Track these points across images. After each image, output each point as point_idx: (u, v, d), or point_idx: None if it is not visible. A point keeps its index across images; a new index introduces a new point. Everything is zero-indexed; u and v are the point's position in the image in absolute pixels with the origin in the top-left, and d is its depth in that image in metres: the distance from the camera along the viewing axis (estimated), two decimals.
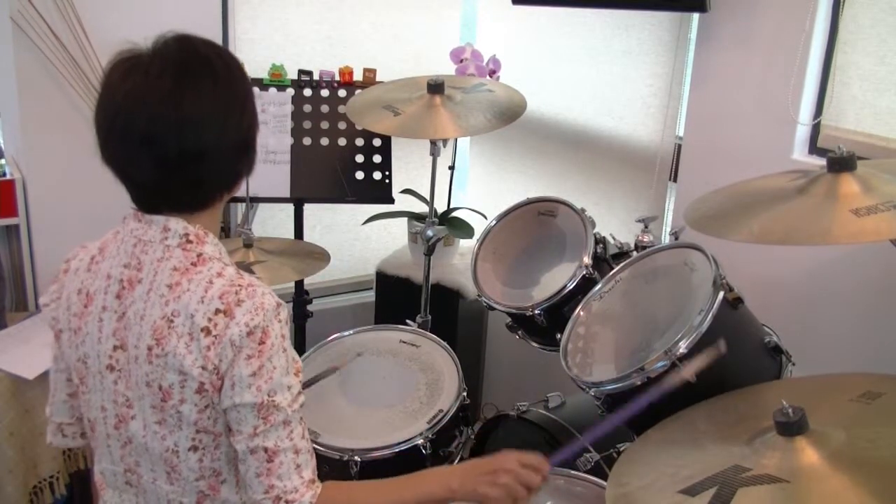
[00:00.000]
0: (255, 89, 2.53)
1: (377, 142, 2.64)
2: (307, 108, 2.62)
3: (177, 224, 1.22)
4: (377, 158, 2.64)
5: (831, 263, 1.92)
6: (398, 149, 2.73)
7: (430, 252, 2.40)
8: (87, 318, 1.27)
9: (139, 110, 1.16)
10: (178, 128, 1.16)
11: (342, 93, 2.65)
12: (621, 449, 1.63)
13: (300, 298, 2.65)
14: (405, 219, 2.98)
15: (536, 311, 1.93)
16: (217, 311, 1.17)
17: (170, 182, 1.20)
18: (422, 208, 2.94)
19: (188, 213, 1.24)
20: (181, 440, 1.23)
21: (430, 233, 2.37)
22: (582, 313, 1.80)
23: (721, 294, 1.50)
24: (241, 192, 2.26)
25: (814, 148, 2.02)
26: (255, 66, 2.67)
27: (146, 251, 1.23)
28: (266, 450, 1.19)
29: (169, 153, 1.16)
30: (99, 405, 1.29)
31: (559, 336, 1.79)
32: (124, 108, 1.17)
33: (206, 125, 1.17)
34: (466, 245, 3.03)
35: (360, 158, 2.63)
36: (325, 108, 2.64)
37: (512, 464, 1.30)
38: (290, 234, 2.70)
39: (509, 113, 2.24)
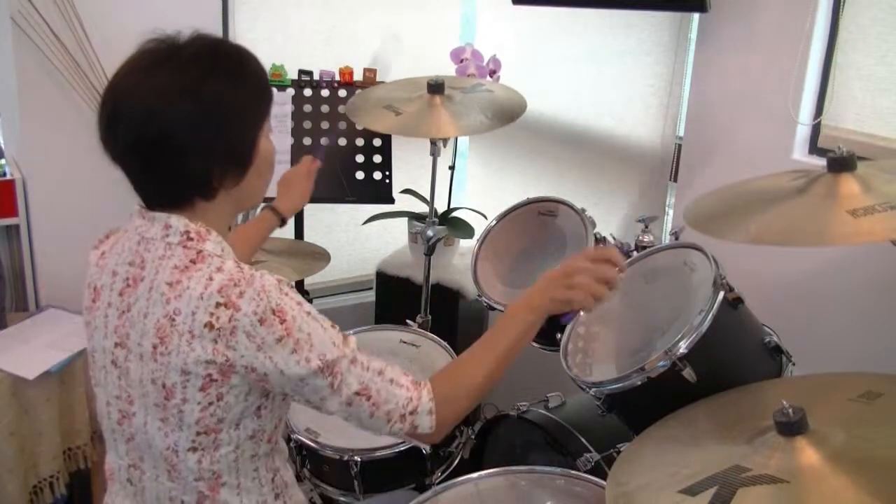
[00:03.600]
0: None
1: (377, 142, 2.64)
2: (307, 108, 2.62)
3: (178, 221, 1.22)
4: (377, 158, 2.64)
5: (832, 263, 1.92)
6: (398, 149, 2.72)
7: (430, 252, 2.40)
8: (95, 312, 1.28)
9: (123, 97, 1.18)
10: (145, 117, 1.15)
11: (342, 93, 2.65)
12: (621, 449, 1.63)
13: None
14: (405, 219, 2.98)
15: None
16: (218, 305, 1.16)
17: (139, 170, 1.20)
18: (422, 208, 2.94)
19: (171, 209, 1.23)
20: (181, 440, 1.23)
21: (430, 233, 2.38)
22: (582, 313, 1.80)
23: (721, 294, 1.50)
24: None
25: (814, 148, 2.02)
26: None
27: (149, 249, 1.23)
28: (358, 393, 1.21)
29: (133, 142, 1.16)
30: (105, 399, 1.31)
31: (559, 336, 1.79)
32: (113, 92, 1.20)
33: (180, 118, 1.16)
34: (466, 245, 3.03)
35: (360, 158, 2.63)
36: (325, 108, 2.64)
37: (583, 262, 1.33)
38: (291, 235, 2.70)
39: (509, 113, 2.24)
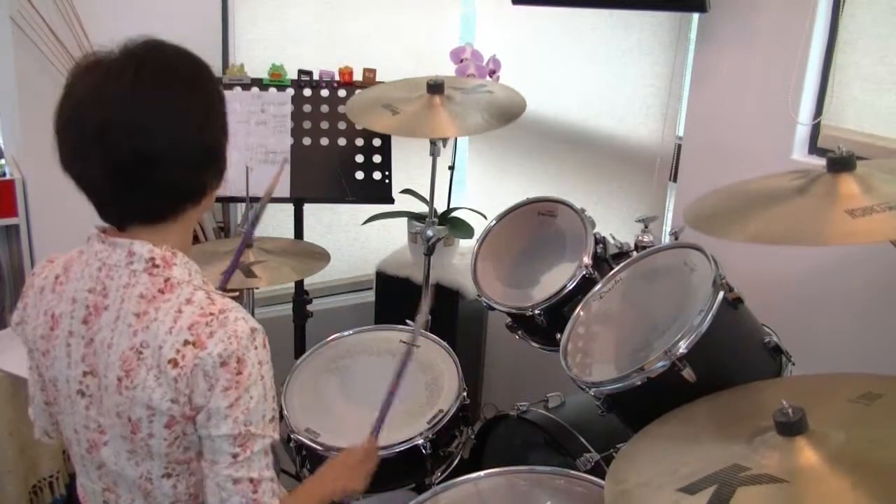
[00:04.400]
0: (255, 89, 2.56)
1: (377, 142, 2.64)
2: (307, 108, 2.62)
3: (142, 247, 1.17)
4: (377, 158, 2.64)
5: (832, 263, 1.92)
6: (398, 149, 2.72)
7: (430, 252, 2.40)
8: (54, 341, 1.23)
9: (92, 111, 1.12)
10: (128, 130, 1.11)
11: (342, 93, 2.65)
12: (621, 448, 1.63)
13: (300, 298, 2.65)
14: (405, 219, 2.98)
15: (536, 311, 1.93)
16: (186, 343, 1.13)
17: (123, 188, 1.14)
18: (422, 208, 2.94)
19: (150, 224, 1.19)
20: (154, 468, 1.21)
21: (430, 233, 2.37)
22: (582, 313, 1.80)
23: (721, 294, 1.50)
24: (241, 191, 2.29)
25: (814, 148, 2.02)
26: (255, 66, 2.67)
27: (111, 276, 1.18)
28: (251, 480, 1.18)
29: (118, 156, 1.11)
30: (72, 427, 1.27)
31: (559, 336, 1.79)
32: (78, 108, 1.13)
33: (159, 129, 1.13)
34: (466, 245, 3.03)
35: (360, 158, 2.63)
36: (324, 108, 2.64)
37: (361, 455, 1.49)
38: (291, 234, 2.70)
39: (509, 113, 2.24)
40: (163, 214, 1.19)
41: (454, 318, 2.88)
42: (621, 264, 1.84)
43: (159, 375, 1.14)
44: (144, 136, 1.12)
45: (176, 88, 1.16)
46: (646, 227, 1.98)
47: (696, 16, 2.26)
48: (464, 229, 2.87)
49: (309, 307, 2.66)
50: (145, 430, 1.17)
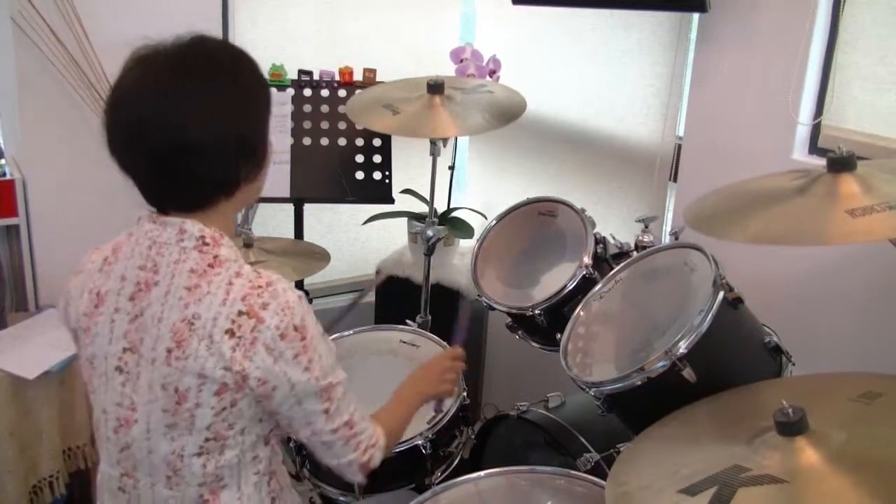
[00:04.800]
0: None
1: (377, 142, 2.64)
2: (307, 108, 2.62)
3: (193, 226, 1.22)
4: (377, 158, 2.64)
5: (832, 263, 1.92)
6: (398, 149, 2.73)
7: (430, 252, 2.40)
8: (97, 318, 1.27)
9: (134, 102, 1.18)
10: (163, 121, 1.16)
11: (342, 93, 2.65)
12: (621, 449, 1.63)
13: None
14: (405, 219, 2.98)
15: (536, 311, 1.93)
16: (240, 313, 1.17)
17: (160, 176, 1.20)
18: (422, 208, 2.94)
19: (189, 212, 1.23)
20: (188, 445, 1.23)
21: (430, 233, 2.38)
22: (582, 313, 1.80)
23: (721, 294, 1.50)
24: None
25: (814, 148, 2.02)
26: None
27: (161, 253, 1.23)
28: (346, 423, 1.28)
29: (155, 146, 1.16)
30: (101, 407, 1.29)
31: (559, 336, 1.79)
32: (123, 98, 1.19)
33: (193, 121, 1.16)
34: (466, 245, 3.03)
35: (360, 158, 2.63)
36: (325, 108, 2.64)
37: (448, 363, 1.65)
38: (291, 234, 2.70)
39: (509, 113, 2.24)
40: (196, 204, 1.23)
41: (454, 318, 2.87)
42: (621, 264, 1.84)
43: (211, 345, 1.17)
44: (178, 128, 1.16)
45: (213, 82, 1.19)
46: (646, 227, 1.98)
47: (696, 16, 2.26)
48: (464, 229, 2.87)
49: None
50: (193, 399, 1.20)
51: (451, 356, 1.68)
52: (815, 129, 2.01)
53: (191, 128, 1.16)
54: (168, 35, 1.22)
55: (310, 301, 2.69)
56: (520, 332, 2.11)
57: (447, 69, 2.79)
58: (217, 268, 1.21)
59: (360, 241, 3.29)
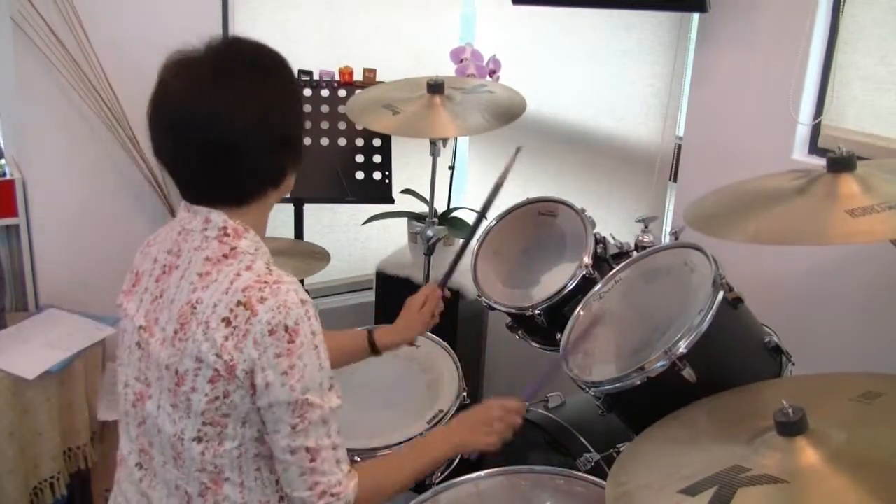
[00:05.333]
0: None
1: (377, 142, 2.64)
2: (307, 108, 2.62)
3: (217, 217, 1.26)
4: (377, 158, 2.64)
5: (832, 263, 1.92)
6: (398, 149, 2.73)
7: (430, 252, 2.40)
8: (131, 296, 1.34)
9: (178, 104, 1.22)
10: (210, 121, 1.20)
11: (342, 93, 2.65)
12: (621, 449, 1.63)
13: None
14: (405, 219, 2.98)
15: (536, 311, 1.93)
16: (238, 304, 1.19)
17: (207, 175, 1.24)
18: (422, 208, 2.94)
19: (230, 206, 1.27)
20: (187, 428, 1.25)
21: (430, 233, 2.38)
22: (582, 313, 1.80)
23: (721, 294, 1.50)
24: None
25: (814, 148, 2.02)
26: None
27: (187, 239, 1.28)
28: (308, 449, 1.22)
29: (203, 146, 1.21)
30: (123, 380, 1.35)
31: (559, 336, 1.79)
32: (166, 101, 1.24)
33: (239, 120, 1.21)
34: None
35: (360, 158, 2.63)
36: (325, 108, 2.64)
37: (499, 411, 1.51)
38: (291, 234, 2.70)
39: (509, 113, 2.24)
40: (246, 198, 1.28)
41: (454, 318, 2.88)
42: (621, 264, 1.84)
43: (206, 331, 1.20)
44: (224, 126, 1.21)
45: (255, 80, 1.24)
46: (646, 227, 1.98)
47: (696, 16, 2.26)
48: (464, 229, 2.87)
49: None
50: (189, 383, 1.22)
51: (508, 407, 1.54)
52: (815, 129, 2.01)
53: (235, 125, 1.21)
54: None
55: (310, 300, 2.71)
56: (520, 332, 2.11)
57: (447, 69, 2.79)
58: (231, 259, 1.24)
59: (360, 241, 3.29)
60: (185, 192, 1.29)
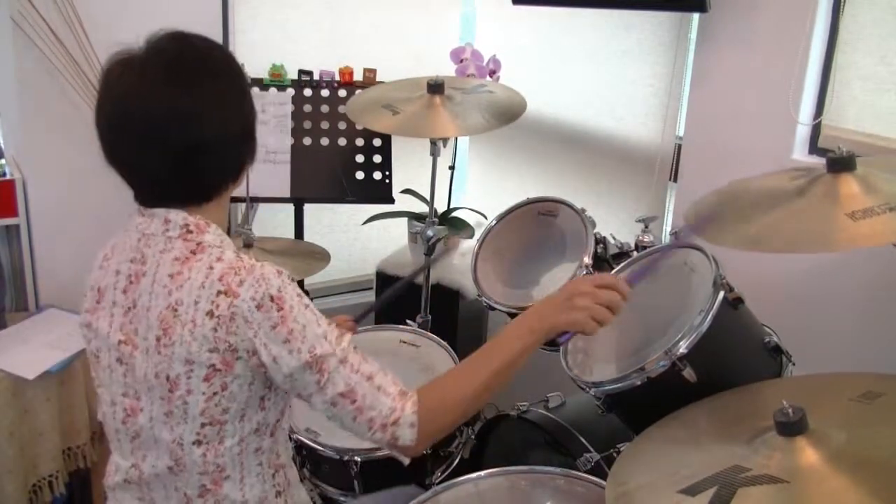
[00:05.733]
0: (255, 89, 2.56)
1: (377, 142, 2.64)
2: (307, 108, 2.62)
3: (177, 216, 1.24)
4: (377, 158, 2.64)
5: (831, 263, 1.92)
6: (398, 149, 2.72)
7: (430, 252, 2.40)
8: (98, 313, 1.30)
9: (137, 107, 1.19)
10: (178, 121, 1.18)
11: (342, 93, 2.65)
12: (621, 449, 1.63)
13: None
14: (405, 219, 2.98)
15: None
16: (219, 293, 1.19)
17: (175, 177, 1.22)
18: (422, 208, 2.94)
19: (190, 205, 1.26)
20: (186, 433, 1.24)
21: (430, 233, 2.38)
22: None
23: (721, 294, 1.50)
24: (241, 192, 2.29)
25: (814, 148, 2.02)
26: (255, 66, 2.66)
27: (149, 244, 1.26)
28: (343, 395, 1.21)
29: (173, 147, 1.19)
30: (109, 399, 1.32)
31: (559, 337, 1.78)
32: (122, 106, 1.20)
33: (206, 117, 1.20)
34: (466, 245, 3.03)
35: (360, 158, 2.63)
36: (325, 108, 2.64)
37: (586, 286, 1.30)
38: (291, 234, 2.70)
39: (509, 113, 2.24)
40: (209, 195, 1.27)
41: (454, 318, 2.88)
42: (621, 264, 1.84)
43: (193, 329, 1.19)
44: (192, 126, 1.19)
45: (212, 76, 1.23)
46: (646, 227, 1.98)
47: (696, 16, 2.26)
48: (464, 229, 2.87)
49: None
50: (183, 386, 1.21)
51: (600, 282, 1.31)
52: (815, 129, 2.01)
53: (204, 124, 1.20)
54: None
55: (311, 300, 2.71)
56: None
57: (447, 69, 2.78)
58: (199, 254, 1.23)
59: (360, 241, 3.29)
60: (142, 195, 1.27)
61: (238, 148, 1.27)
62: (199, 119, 1.19)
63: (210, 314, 1.18)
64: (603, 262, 1.98)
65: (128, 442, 1.31)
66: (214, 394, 1.21)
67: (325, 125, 2.62)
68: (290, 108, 2.58)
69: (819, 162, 1.70)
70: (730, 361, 1.54)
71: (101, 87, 1.23)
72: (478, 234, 2.34)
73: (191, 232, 1.24)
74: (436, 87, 2.23)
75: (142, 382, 1.25)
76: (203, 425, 1.23)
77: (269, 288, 1.19)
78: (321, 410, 1.24)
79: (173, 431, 1.25)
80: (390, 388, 1.24)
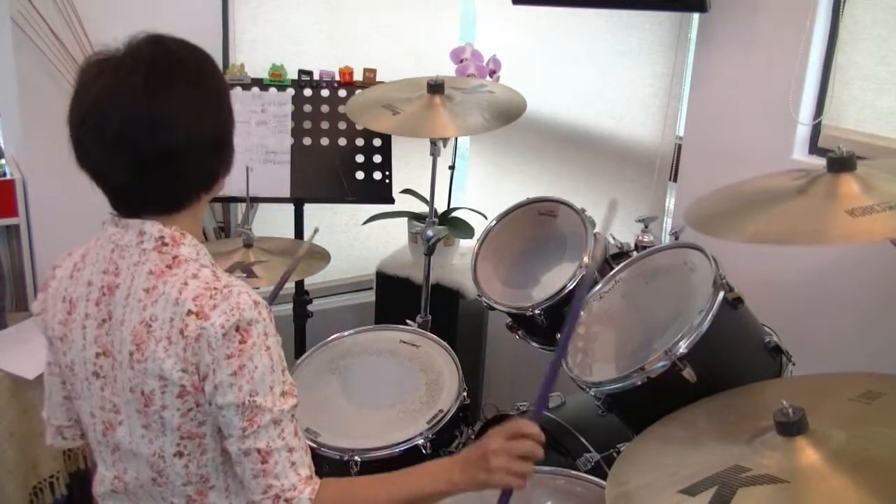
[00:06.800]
0: (255, 89, 2.56)
1: (377, 142, 2.64)
2: (307, 108, 2.62)
3: (152, 227, 1.21)
4: (377, 158, 2.64)
5: (832, 263, 1.92)
6: (398, 149, 2.72)
7: (430, 252, 2.40)
8: (70, 325, 1.26)
9: (110, 109, 1.16)
10: (150, 126, 1.15)
11: (342, 93, 2.65)
12: (621, 449, 1.63)
13: (300, 298, 2.65)
14: (405, 219, 2.98)
15: (536, 311, 1.93)
16: (189, 313, 1.15)
17: (145, 182, 1.18)
18: (422, 208, 2.94)
19: (166, 214, 1.22)
20: (166, 445, 1.22)
21: (430, 233, 2.37)
22: (582, 313, 1.80)
23: (721, 294, 1.50)
24: (241, 192, 2.29)
25: (814, 148, 2.02)
26: (255, 66, 2.66)
27: (123, 256, 1.22)
28: (259, 451, 1.18)
29: (142, 152, 1.15)
30: (88, 412, 1.29)
31: (559, 336, 1.79)
32: (96, 106, 1.18)
33: (178, 123, 1.16)
34: (466, 245, 3.03)
35: (360, 158, 2.63)
36: (325, 108, 2.64)
37: (498, 443, 1.27)
38: (291, 234, 2.70)
39: (509, 113, 2.24)
40: (180, 203, 1.23)
41: (454, 318, 2.88)
42: (621, 264, 1.84)
43: (168, 346, 1.16)
44: (164, 132, 1.15)
45: (188, 82, 1.19)
46: (646, 227, 1.98)
47: (696, 16, 2.26)
48: (464, 229, 2.87)
49: (309, 307, 2.66)
50: (158, 402, 1.19)
51: (511, 432, 1.28)
52: (815, 129, 2.01)
53: (175, 130, 1.16)
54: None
55: (309, 301, 2.72)
56: (520, 332, 2.11)
57: (447, 69, 2.78)
58: (175, 268, 1.20)
59: (360, 241, 3.29)
60: (116, 203, 1.23)
61: (210, 156, 1.22)
62: (171, 124, 1.15)
63: (181, 333, 1.16)
64: (603, 261, 1.98)
65: (109, 454, 1.29)
66: (189, 410, 1.19)
67: (325, 125, 2.62)
68: (290, 108, 2.58)
69: (819, 162, 1.70)
70: (730, 361, 1.54)
71: (76, 86, 1.21)
72: (478, 234, 2.34)
73: (166, 244, 1.20)
74: (436, 87, 2.23)
75: (121, 395, 1.23)
76: (182, 438, 1.21)
77: (240, 319, 1.15)
78: (231, 452, 1.20)
79: (153, 444, 1.23)
80: (301, 470, 1.21)
